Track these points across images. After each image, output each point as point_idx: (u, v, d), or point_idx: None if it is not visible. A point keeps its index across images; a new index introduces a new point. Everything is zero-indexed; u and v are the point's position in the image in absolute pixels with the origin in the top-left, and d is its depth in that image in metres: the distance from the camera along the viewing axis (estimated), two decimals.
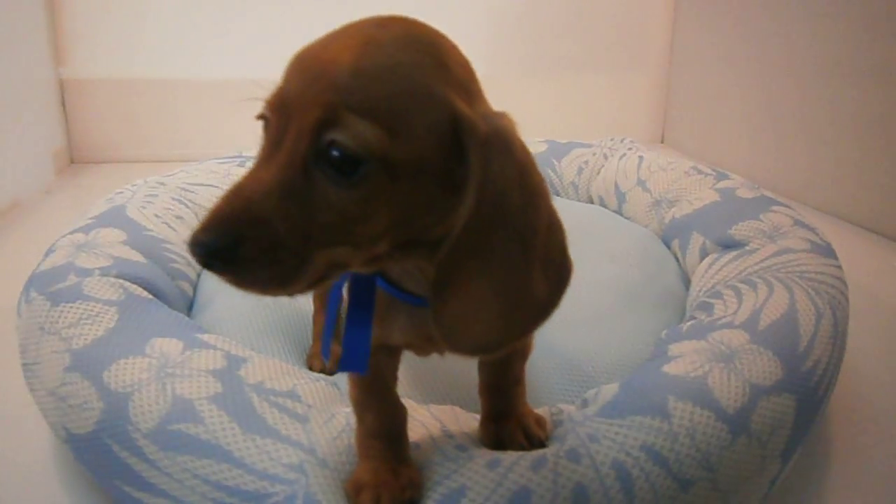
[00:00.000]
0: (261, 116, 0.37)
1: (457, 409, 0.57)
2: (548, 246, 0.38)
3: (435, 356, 0.51)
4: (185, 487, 0.48)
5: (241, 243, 0.32)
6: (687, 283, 0.94)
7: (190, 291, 0.88)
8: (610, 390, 0.53)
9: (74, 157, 1.87)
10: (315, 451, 0.48)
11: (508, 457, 0.46)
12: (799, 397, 0.54)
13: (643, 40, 2.09)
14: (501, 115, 0.38)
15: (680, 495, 0.45)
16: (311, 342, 0.79)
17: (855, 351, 0.82)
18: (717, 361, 0.54)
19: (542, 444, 0.50)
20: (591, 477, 0.44)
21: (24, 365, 0.65)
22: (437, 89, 0.35)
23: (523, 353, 0.54)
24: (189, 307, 0.87)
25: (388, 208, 0.35)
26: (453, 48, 0.38)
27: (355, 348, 0.42)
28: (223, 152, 1.27)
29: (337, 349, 0.76)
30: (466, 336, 0.37)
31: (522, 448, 0.49)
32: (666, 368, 0.54)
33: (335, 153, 0.33)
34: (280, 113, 0.35)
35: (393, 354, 0.50)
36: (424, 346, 0.48)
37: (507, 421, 0.52)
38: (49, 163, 1.72)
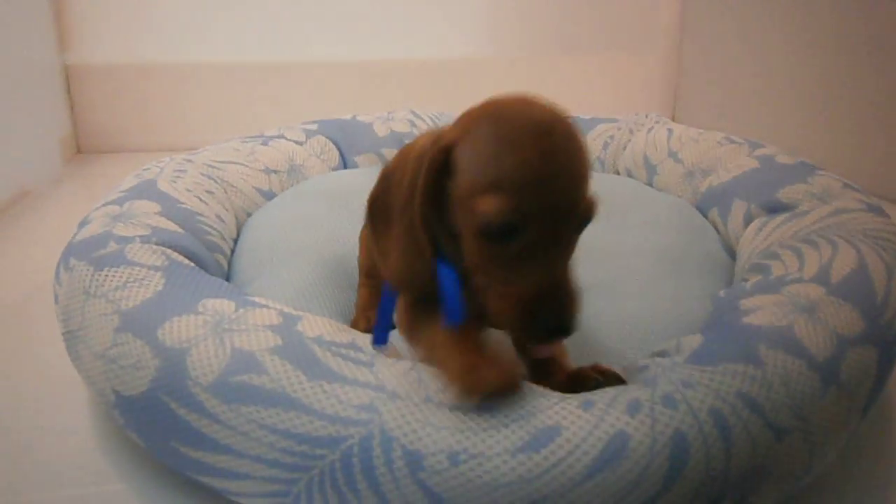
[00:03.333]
0: (506, 224, 0.43)
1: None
2: None
3: None
4: (249, 440, 0.46)
5: None
6: (728, 250, 0.92)
7: (225, 265, 0.87)
8: (694, 340, 0.51)
9: (82, 147, 1.83)
10: (384, 387, 0.46)
11: (601, 398, 0.44)
12: (881, 349, 0.52)
13: (653, 19, 2.06)
14: None
15: (775, 445, 0.43)
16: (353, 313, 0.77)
17: None
18: (800, 312, 0.52)
19: (619, 380, 0.49)
20: (689, 423, 0.42)
21: (66, 333, 0.63)
22: None
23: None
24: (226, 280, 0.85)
25: None
26: None
27: (453, 303, 0.48)
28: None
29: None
30: None
31: (598, 384, 0.48)
32: (747, 320, 0.52)
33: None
34: (551, 216, 0.44)
35: None
36: None
37: (574, 368, 0.52)
38: (56, 151, 1.69)
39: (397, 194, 0.49)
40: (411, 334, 0.54)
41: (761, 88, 1.67)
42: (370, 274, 0.75)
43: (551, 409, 0.43)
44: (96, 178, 1.62)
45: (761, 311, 0.53)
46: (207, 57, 1.84)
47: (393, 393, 0.45)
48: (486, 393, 0.44)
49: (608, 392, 0.46)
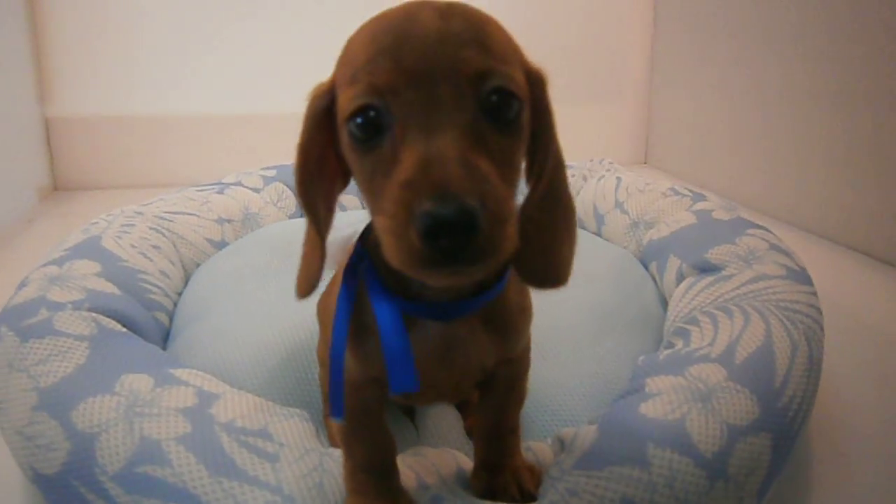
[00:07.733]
0: (365, 107, 0.35)
1: (432, 455, 0.55)
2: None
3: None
4: None
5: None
6: (665, 304, 0.94)
7: (166, 322, 0.88)
8: (588, 435, 0.52)
9: (58, 187, 1.87)
10: (282, 489, 0.47)
11: None
12: (775, 435, 0.54)
13: (623, 66, 2.12)
14: None
15: None
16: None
17: (834, 373, 0.82)
18: (695, 402, 0.54)
19: (532, 498, 0.49)
20: None
21: None
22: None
23: (520, 398, 0.53)
24: (165, 337, 0.86)
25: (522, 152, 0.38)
26: None
27: (401, 369, 0.40)
28: None
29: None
30: (557, 278, 0.42)
31: (514, 501, 0.49)
32: (644, 409, 0.54)
33: (495, 99, 0.35)
34: (415, 85, 0.34)
35: (382, 386, 0.46)
36: (439, 376, 0.45)
37: (501, 471, 0.51)
38: (33, 195, 1.72)
39: None
40: (344, 457, 0.50)
41: (729, 137, 1.72)
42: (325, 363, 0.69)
43: None
44: (70, 217, 1.62)
45: (658, 400, 0.55)
46: (181, 109, 1.90)
47: (289, 497, 0.46)
48: None
49: None
